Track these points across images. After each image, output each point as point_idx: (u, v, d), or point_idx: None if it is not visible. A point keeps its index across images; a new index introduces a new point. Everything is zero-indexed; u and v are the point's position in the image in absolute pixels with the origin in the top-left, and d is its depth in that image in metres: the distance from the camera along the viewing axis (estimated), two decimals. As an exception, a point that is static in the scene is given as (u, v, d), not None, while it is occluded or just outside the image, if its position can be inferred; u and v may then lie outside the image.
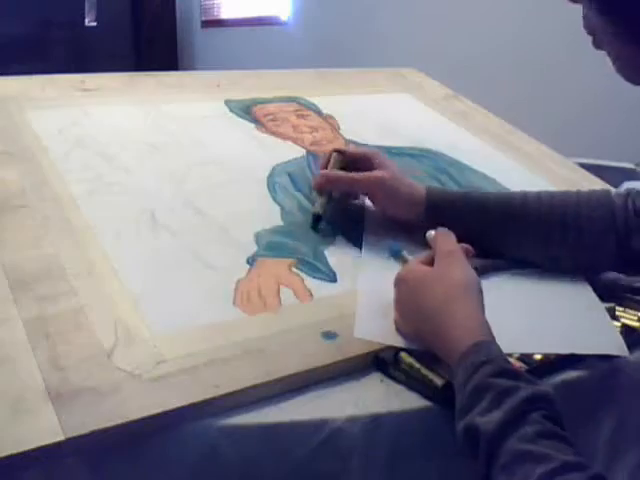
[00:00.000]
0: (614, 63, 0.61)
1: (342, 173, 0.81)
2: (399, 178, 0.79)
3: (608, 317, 0.70)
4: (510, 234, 0.76)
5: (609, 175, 1.15)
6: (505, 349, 0.54)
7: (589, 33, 0.61)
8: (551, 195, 0.78)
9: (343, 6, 3.70)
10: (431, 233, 0.68)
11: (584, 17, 0.61)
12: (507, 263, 0.77)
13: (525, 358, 0.61)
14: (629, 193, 0.77)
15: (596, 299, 0.73)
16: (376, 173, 0.79)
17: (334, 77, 1.28)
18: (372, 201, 0.81)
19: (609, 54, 0.61)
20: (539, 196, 0.78)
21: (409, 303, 0.61)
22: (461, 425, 0.50)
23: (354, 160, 0.83)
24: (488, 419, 0.47)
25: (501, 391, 0.49)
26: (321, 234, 0.78)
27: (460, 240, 0.67)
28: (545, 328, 0.68)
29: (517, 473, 0.44)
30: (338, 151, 0.84)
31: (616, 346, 0.65)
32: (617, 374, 0.64)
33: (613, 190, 0.82)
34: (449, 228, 0.69)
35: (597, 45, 0.62)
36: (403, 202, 0.78)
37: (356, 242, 0.78)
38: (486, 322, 0.57)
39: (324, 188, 0.80)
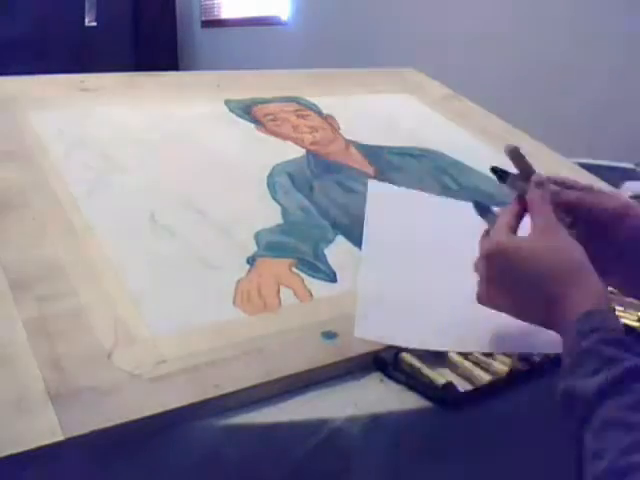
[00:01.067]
0: None
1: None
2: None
3: None
4: None
5: (609, 175, 1.14)
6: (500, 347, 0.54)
7: None
8: None
9: (343, 6, 3.70)
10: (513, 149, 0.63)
11: None
12: None
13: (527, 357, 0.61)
14: None
15: None
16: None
17: (334, 77, 1.28)
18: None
19: None
20: None
21: (513, 272, 0.57)
22: (561, 386, 0.50)
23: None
24: (587, 383, 0.47)
25: (606, 359, 0.49)
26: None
27: None
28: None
29: (608, 439, 0.44)
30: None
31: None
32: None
33: None
34: None
35: None
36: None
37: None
38: (606, 292, 0.56)
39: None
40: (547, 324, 0.55)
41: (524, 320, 0.57)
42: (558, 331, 0.54)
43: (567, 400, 0.49)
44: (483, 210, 0.65)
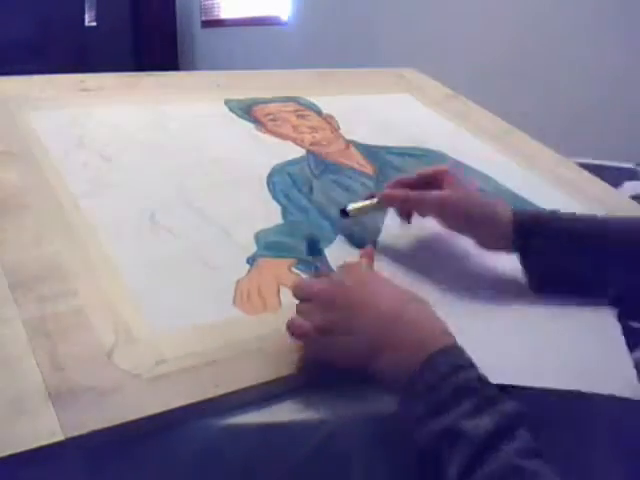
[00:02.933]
0: None
1: (412, 192, 0.75)
2: (473, 196, 0.74)
3: (626, 352, 0.64)
4: (601, 259, 0.70)
5: (609, 175, 1.14)
6: (502, 379, 0.51)
7: None
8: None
9: (343, 6, 3.70)
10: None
11: None
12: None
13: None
14: None
15: (617, 329, 0.67)
16: (443, 192, 0.73)
17: (334, 77, 1.28)
18: (440, 222, 0.75)
19: None
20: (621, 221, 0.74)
21: (351, 319, 0.55)
22: (437, 426, 0.47)
23: (425, 181, 0.76)
24: (476, 424, 0.45)
25: (488, 397, 0.47)
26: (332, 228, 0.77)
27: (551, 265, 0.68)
28: (551, 358, 0.63)
29: None
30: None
31: (629, 387, 0.59)
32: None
33: None
34: (539, 251, 0.68)
35: None
36: (479, 223, 0.72)
37: (359, 244, 0.78)
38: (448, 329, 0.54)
39: (387, 200, 0.77)
40: (396, 362, 0.52)
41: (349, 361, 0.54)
42: (406, 367, 0.50)
43: (447, 439, 0.46)
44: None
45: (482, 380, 0.49)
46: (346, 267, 0.61)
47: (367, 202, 0.78)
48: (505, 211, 0.72)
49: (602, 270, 0.70)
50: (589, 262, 0.70)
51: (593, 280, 0.71)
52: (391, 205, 0.78)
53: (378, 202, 0.78)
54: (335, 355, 0.55)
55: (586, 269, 0.70)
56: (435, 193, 0.73)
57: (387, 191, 0.77)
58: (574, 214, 0.74)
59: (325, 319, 0.55)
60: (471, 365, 0.50)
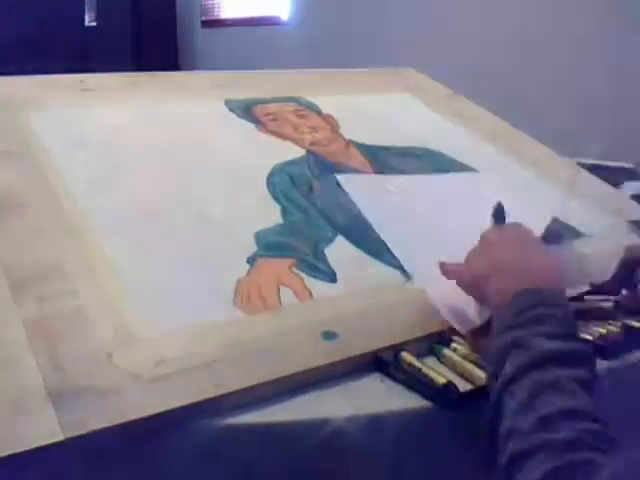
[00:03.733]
0: None
1: None
2: None
3: None
4: None
5: (609, 175, 1.14)
6: None
7: None
8: None
9: (343, 6, 3.70)
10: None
11: None
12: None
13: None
14: None
15: None
16: None
17: (334, 77, 1.28)
18: None
19: None
20: None
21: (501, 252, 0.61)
22: (511, 335, 0.51)
23: None
24: (541, 343, 0.50)
25: (570, 334, 0.52)
26: None
27: None
28: None
29: (544, 399, 0.47)
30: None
31: None
32: (616, 374, 0.64)
33: None
34: None
35: None
36: None
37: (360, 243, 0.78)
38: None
39: None
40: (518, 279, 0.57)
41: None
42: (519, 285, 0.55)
43: (513, 347, 0.51)
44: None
45: (574, 324, 0.54)
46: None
47: None
48: None
49: None
50: None
51: None
52: None
53: None
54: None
55: None
56: None
57: None
58: None
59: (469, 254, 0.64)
60: (568, 310, 0.54)
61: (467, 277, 0.62)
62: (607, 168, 1.32)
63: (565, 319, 0.53)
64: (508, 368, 0.50)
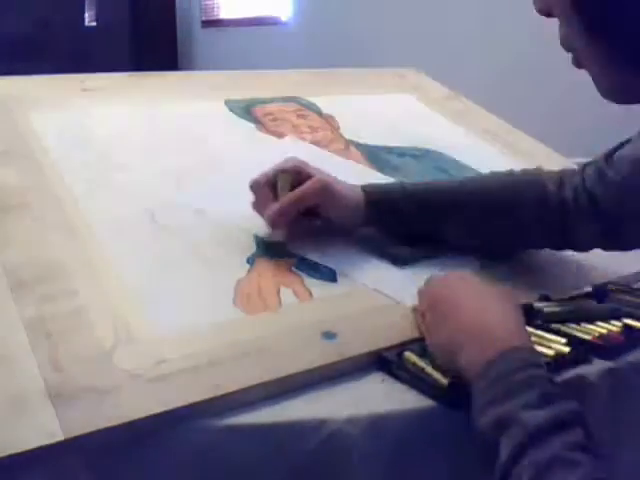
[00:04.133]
0: (595, 81, 0.59)
1: (289, 196, 0.73)
2: (336, 180, 0.76)
3: None
4: (444, 223, 0.77)
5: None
6: None
7: (567, 50, 0.57)
8: (482, 180, 0.82)
9: (343, 6, 3.70)
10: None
11: (562, 35, 0.56)
12: (438, 250, 0.78)
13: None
14: (564, 173, 0.80)
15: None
16: (314, 180, 0.74)
17: (334, 77, 1.28)
18: (320, 211, 0.76)
19: (590, 72, 0.58)
20: (465, 184, 0.81)
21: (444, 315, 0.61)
22: (498, 413, 0.49)
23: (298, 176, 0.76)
24: (533, 414, 0.47)
25: (551, 394, 0.49)
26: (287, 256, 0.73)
27: (401, 233, 0.77)
28: None
29: (554, 476, 0.45)
30: (282, 171, 0.76)
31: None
32: (616, 374, 0.64)
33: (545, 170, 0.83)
34: (389, 224, 0.77)
35: (577, 64, 0.58)
36: (344, 204, 0.75)
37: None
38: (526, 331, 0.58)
39: (282, 222, 0.74)
40: (477, 348, 0.55)
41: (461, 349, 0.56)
42: (484, 356, 0.53)
43: (499, 427, 0.48)
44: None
45: (548, 379, 0.51)
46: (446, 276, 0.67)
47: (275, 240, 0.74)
48: (358, 192, 0.77)
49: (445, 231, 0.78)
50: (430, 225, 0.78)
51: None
52: (284, 220, 0.74)
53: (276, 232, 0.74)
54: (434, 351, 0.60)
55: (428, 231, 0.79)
56: (309, 183, 0.74)
57: (274, 216, 0.73)
58: (423, 183, 0.82)
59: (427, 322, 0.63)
60: (540, 365, 0.53)
61: (432, 349, 0.60)
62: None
63: (541, 379, 0.50)
64: (503, 455, 0.47)
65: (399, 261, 0.75)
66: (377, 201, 0.77)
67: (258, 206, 0.75)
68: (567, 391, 0.51)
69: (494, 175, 0.82)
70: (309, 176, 0.75)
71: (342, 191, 0.75)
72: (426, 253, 0.78)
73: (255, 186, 0.75)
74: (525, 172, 0.82)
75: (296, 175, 0.75)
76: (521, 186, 0.79)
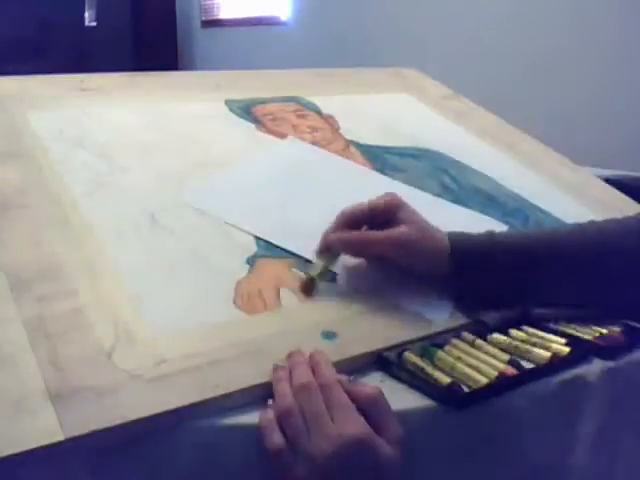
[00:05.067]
0: None
1: (357, 233, 0.70)
2: (423, 230, 0.70)
3: None
4: (540, 271, 0.70)
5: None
6: None
7: None
8: (582, 229, 0.74)
9: (343, 6, 3.70)
10: None
11: None
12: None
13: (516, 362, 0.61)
14: None
15: None
16: (401, 230, 0.68)
17: (334, 77, 1.28)
18: (392, 260, 0.70)
19: None
20: (571, 233, 0.73)
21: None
22: None
23: (373, 214, 0.71)
24: None
25: None
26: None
27: (488, 288, 0.69)
28: None
29: None
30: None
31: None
32: (616, 374, 0.64)
33: None
34: (476, 278, 0.68)
35: None
36: (426, 258, 0.69)
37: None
38: None
39: (332, 248, 0.70)
40: None
41: None
42: None
43: None
44: None
45: None
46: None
47: (322, 264, 0.70)
48: (443, 241, 0.70)
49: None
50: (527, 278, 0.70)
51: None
52: (345, 251, 0.71)
53: (333, 254, 0.71)
54: None
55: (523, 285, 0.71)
56: (391, 232, 0.69)
57: (338, 236, 0.70)
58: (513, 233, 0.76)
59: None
60: None
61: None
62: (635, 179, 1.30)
63: None
64: None
65: (487, 329, 0.68)
66: (465, 250, 0.70)
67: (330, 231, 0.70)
68: (566, 391, 0.51)
69: (582, 224, 0.76)
70: (397, 220, 0.69)
71: (425, 245, 0.69)
72: (515, 318, 0.70)
73: (341, 216, 0.70)
74: (608, 221, 0.76)
75: (384, 214, 0.70)
76: (629, 234, 0.72)
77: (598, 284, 0.71)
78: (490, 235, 0.72)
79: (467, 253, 0.69)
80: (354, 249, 0.71)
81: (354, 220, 0.70)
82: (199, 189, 0.81)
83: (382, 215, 0.70)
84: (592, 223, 0.76)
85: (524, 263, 0.70)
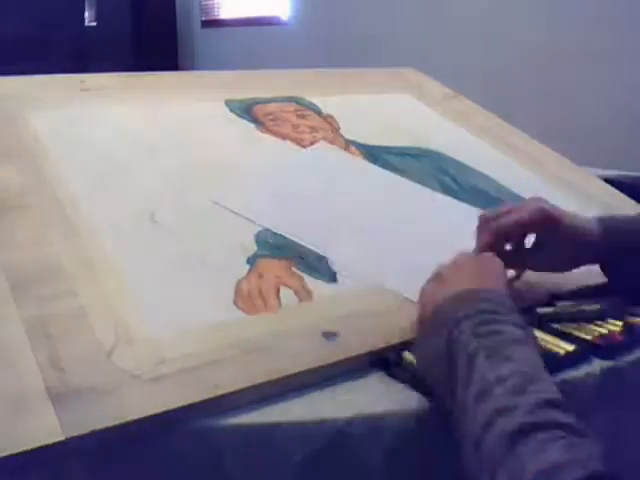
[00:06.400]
0: None
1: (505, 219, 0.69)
2: (572, 216, 0.70)
3: None
4: None
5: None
6: None
7: None
8: None
9: (343, 6, 3.70)
10: None
11: None
12: None
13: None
14: None
15: None
16: (537, 208, 0.68)
17: (334, 77, 1.28)
18: (543, 245, 0.70)
19: None
20: None
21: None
22: (454, 333, 0.52)
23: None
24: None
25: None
26: None
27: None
28: None
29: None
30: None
31: None
32: (616, 374, 0.64)
33: None
34: (630, 259, 0.68)
35: None
36: (571, 237, 0.69)
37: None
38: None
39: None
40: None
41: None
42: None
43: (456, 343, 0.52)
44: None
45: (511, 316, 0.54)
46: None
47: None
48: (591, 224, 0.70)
49: None
50: None
51: None
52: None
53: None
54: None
55: None
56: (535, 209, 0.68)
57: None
58: None
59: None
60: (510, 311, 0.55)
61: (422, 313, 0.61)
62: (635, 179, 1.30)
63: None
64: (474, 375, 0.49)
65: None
66: (616, 231, 0.69)
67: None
68: (566, 391, 0.51)
69: None
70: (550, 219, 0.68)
71: (573, 222, 0.69)
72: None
73: (483, 219, 0.71)
74: None
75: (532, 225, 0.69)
76: None
77: None
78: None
79: (618, 231, 0.69)
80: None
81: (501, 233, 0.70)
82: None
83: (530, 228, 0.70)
84: None
85: None
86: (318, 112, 1.08)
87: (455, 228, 0.72)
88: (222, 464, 0.52)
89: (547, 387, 0.47)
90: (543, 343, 0.64)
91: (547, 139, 1.19)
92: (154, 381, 0.53)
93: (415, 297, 0.65)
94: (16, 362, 0.53)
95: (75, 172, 0.78)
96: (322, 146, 0.97)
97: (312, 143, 0.97)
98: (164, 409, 0.51)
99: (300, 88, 1.13)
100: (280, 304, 0.66)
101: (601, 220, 0.71)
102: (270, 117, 1.02)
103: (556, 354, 0.63)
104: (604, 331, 0.67)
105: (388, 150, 1.01)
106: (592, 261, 0.72)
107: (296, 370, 0.57)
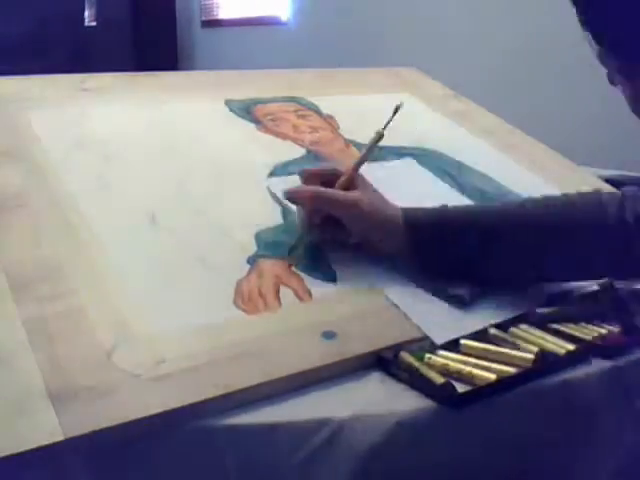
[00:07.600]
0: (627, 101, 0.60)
1: (324, 190, 0.72)
2: (378, 199, 0.74)
3: None
4: (494, 245, 0.70)
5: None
6: None
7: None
8: (535, 202, 0.75)
9: (343, 6, 3.70)
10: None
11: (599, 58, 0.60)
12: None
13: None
14: (624, 195, 0.74)
15: None
16: (355, 194, 0.72)
17: (334, 77, 1.28)
18: (348, 226, 0.72)
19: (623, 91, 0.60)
20: (522, 205, 0.75)
21: None
22: None
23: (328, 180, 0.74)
24: None
25: None
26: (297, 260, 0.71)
27: (448, 263, 0.71)
28: None
29: None
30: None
31: None
32: (616, 374, 0.64)
33: (604, 192, 0.78)
34: (431, 251, 0.70)
35: (610, 81, 0.61)
36: (380, 226, 0.72)
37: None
38: None
39: (307, 205, 0.73)
40: None
41: None
42: None
43: None
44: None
45: None
46: None
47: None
48: (396, 211, 0.73)
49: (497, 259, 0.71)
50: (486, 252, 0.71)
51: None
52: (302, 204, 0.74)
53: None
54: None
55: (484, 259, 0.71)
56: (350, 195, 0.72)
57: (302, 189, 0.74)
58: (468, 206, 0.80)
59: None
60: None
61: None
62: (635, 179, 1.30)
63: None
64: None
65: (457, 302, 0.69)
66: (417, 222, 0.72)
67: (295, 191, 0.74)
68: (566, 391, 0.51)
69: (548, 197, 0.77)
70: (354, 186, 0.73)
71: (379, 213, 0.71)
72: (483, 291, 0.70)
73: (306, 173, 0.75)
74: (582, 194, 0.77)
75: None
76: (578, 207, 0.73)
77: (555, 261, 0.71)
78: (442, 207, 0.74)
79: (419, 223, 0.72)
80: (314, 203, 0.73)
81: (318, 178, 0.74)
82: (198, 189, 0.81)
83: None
84: (560, 197, 0.77)
85: (472, 232, 0.71)
86: (318, 112, 1.08)
87: None
88: (222, 464, 0.52)
89: None
90: (543, 343, 0.64)
91: (547, 139, 1.19)
92: (154, 381, 0.53)
93: (415, 297, 0.66)
94: (16, 362, 0.53)
95: (75, 172, 0.78)
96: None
97: (312, 143, 0.98)
98: (164, 409, 0.51)
99: (300, 88, 1.13)
100: (280, 304, 0.66)
101: (404, 210, 0.73)
102: (270, 117, 1.02)
103: (556, 354, 0.63)
104: (604, 331, 0.68)
105: (388, 150, 1.01)
106: (398, 252, 0.72)
107: (296, 370, 0.57)
